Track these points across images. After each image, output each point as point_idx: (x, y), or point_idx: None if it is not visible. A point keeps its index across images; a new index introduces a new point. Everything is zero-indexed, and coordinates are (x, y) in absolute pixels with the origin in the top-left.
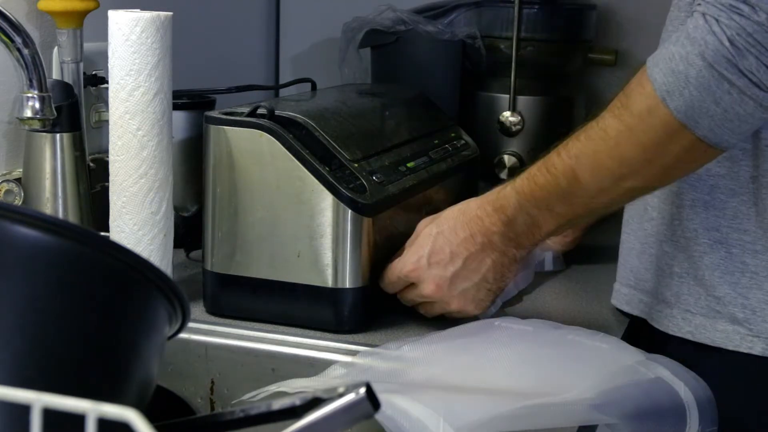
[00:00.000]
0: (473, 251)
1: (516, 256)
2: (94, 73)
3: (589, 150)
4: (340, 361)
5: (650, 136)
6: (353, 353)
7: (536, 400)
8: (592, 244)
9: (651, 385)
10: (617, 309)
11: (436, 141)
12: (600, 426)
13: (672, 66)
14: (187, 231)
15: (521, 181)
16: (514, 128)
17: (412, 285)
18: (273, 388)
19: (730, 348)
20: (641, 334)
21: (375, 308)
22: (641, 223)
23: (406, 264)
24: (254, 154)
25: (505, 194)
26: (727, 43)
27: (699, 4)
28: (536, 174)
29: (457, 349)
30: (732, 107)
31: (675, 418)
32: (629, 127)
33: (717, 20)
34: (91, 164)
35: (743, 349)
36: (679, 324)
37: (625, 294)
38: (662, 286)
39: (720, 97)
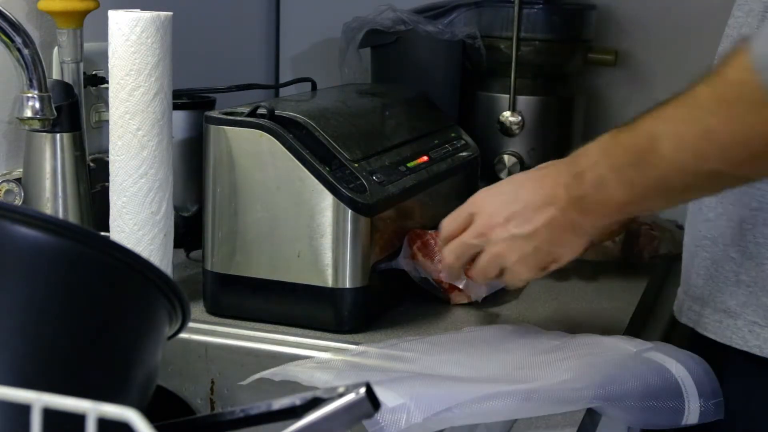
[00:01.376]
0: (535, 199)
1: (575, 223)
2: (94, 73)
3: (676, 114)
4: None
5: (740, 109)
6: (353, 353)
7: (514, 387)
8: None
9: (641, 367)
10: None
11: (436, 141)
12: (602, 420)
13: None
14: (187, 231)
15: (605, 136)
16: (514, 128)
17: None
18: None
19: None
20: (684, 342)
21: (375, 308)
22: (695, 224)
23: (463, 209)
24: (254, 154)
25: (587, 148)
26: None
27: None
28: (620, 131)
29: (438, 346)
30: None
31: (671, 396)
32: (719, 95)
33: None
34: (91, 164)
35: None
36: (745, 337)
37: (678, 299)
38: (724, 294)
39: None
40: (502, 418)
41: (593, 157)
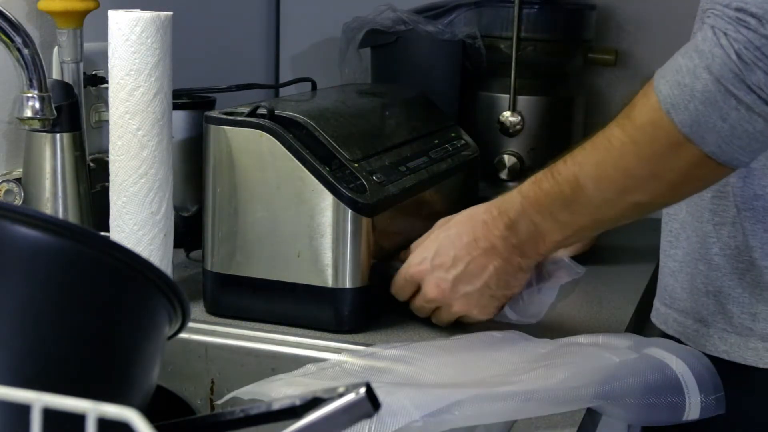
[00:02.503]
0: (475, 255)
1: (521, 265)
2: (94, 73)
3: (593, 159)
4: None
5: (654, 149)
6: (354, 353)
7: (513, 388)
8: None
9: (640, 363)
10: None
11: (436, 141)
12: (602, 420)
13: (678, 78)
14: (187, 231)
15: (527, 185)
16: (514, 128)
17: (418, 290)
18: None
19: (761, 366)
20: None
21: (375, 308)
22: (677, 243)
23: (411, 265)
24: (254, 154)
25: (510, 197)
26: (734, 57)
27: (708, 17)
28: (542, 179)
29: (435, 350)
30: (740, 124)
31: (671, 392)
32: (633, 139)
33: (725, 33)
34: (91, 164)
35: None
36: (715, 343)
37: (662, 313)
38: (699, 306)
39: (727, 113)
40: (502, 419)
41: (519, 207)
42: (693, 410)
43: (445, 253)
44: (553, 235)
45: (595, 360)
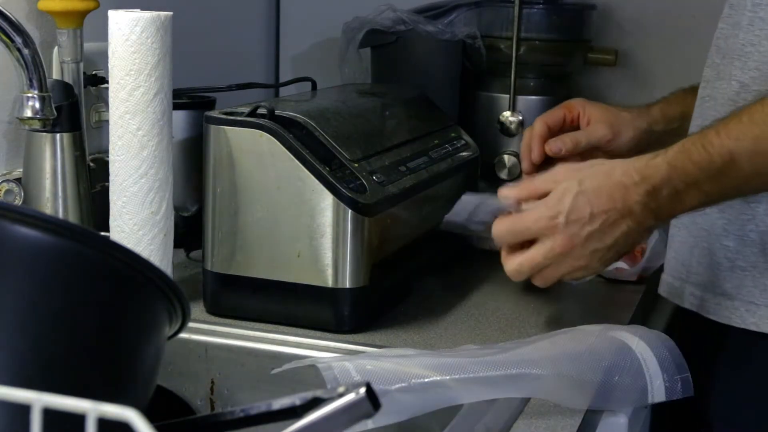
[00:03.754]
0: (611, 215)
1: (653, 226)
2: (94, 73)
3: (751, 134)
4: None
5: None
6: (353, 353)
7: (469, 374)
8: None
9: (600, 343)
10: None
11: (436, 141)
12: (603, 420)
13: None
14: (187, 231)
15: (674, 153)
16: (514, 128)
17: (529, 244)
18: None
19: None
20: (692, 326)
21: (375, 308)
22: (693, 217)
23: (541, 218)
24: (254, 154)
25: (656, 164)
26: None
27: None
28: (691, 149)
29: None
30: None
31: (632, 372)
32: None
33: None
34: (91, 164)
35: None
36: (743, 315)
37: (676, 287)
38: (721, 280)
39: None
40: (449, 404)
41: (665, 175)
42: (657, 392)
43: (581, 209)
44: (693, 201)
45: (558, 347)
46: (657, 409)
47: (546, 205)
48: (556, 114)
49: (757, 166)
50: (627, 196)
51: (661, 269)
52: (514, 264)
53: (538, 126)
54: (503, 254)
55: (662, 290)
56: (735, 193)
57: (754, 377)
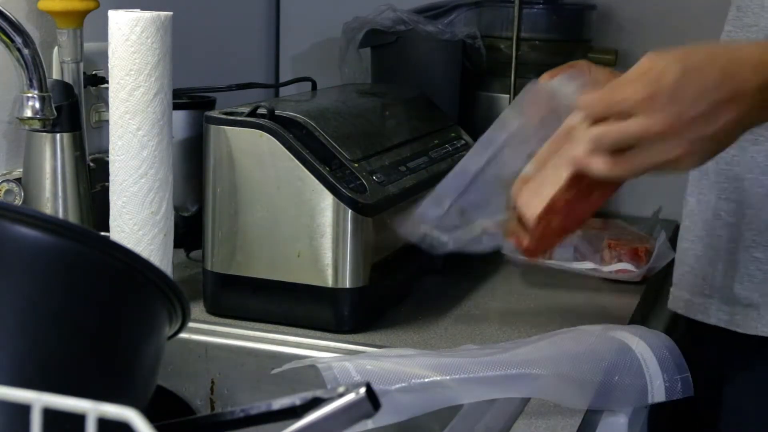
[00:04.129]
0: (724, 96)
1: (752, 122)
2: (94, 73)
3: None
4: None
5: None
6: (353, 353)
7: (469, 375)
8: None
9: (600, 343)
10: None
11: (436, 141)
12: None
13: None
14: (187, 231)
15: None
16: None
17: (619, 118)
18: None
19: None
20: (693, 329)
21: (375, 308)
22: (713, 230)
23: (638, 91)
24: (254, 154)
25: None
26: None
27: None
28: None
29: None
30: None
31: (632, 372)
32: None
33: None
34: (91, 164)
35: None
36: None
37: (698, 303)
38: (751, 291)
39: None
40: (449, 404)
41: None
42: (657, 392)
43: (687, 87)
44: None
45: (558, 347)
46: (656, 409)
47: (642, 81)
48: (560, 70)
49: None
50: (740, 77)
51: (662, 274)
52: (599, 130)
53: (543, 77)
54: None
55: (677, 306)
56: None
57: (764, 380)
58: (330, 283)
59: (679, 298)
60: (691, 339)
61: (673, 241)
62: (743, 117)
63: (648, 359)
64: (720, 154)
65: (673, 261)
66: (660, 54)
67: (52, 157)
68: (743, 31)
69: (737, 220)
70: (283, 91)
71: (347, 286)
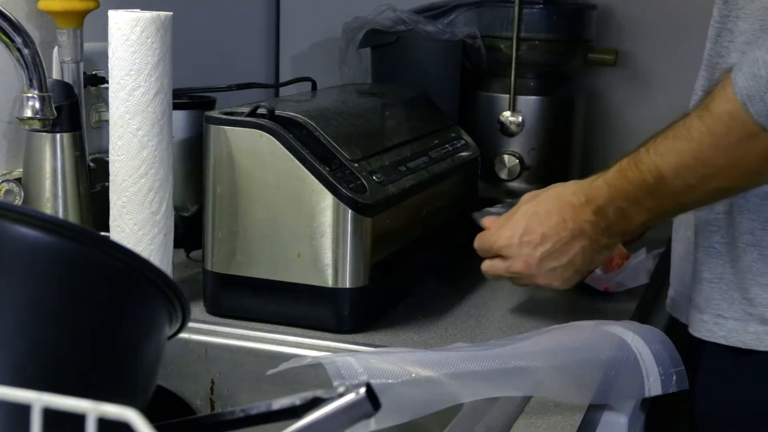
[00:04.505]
0: (563, 236)
1: (608, 244)
2: (94, 73)
3: (674, 149)
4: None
5: (731, 139)
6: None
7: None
8: None
9: (595, 338)
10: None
11: (436, 141)
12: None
13: (754, 70)
14: (187, 231)
15: (612, 174)
16: (514, 128)
17: (501, 258)
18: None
19: (762, 349)
20: (681, 339)
21: (375, 308)
22: (686, 231)
23: (500, 238)
24: (254, 154)
25: (597, 185)
26: None
27: None
28: (626, 168)
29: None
30: None
31: (628, 366)
32: (710, 129)
33: None
34: (91, 164)
35: None
36: (711, 329)
37: (676, 301)
38: (693, 292)
39: None
40: (451, 403)
41: (606, 196)
42: (653, 385)
43: (534, 231)
44: (641, 217)
45: (554, 341)
46: (655, 409)
47: (506, 227)
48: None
49: (685, 179)
50: (576, 216)
51: (663, 275)
52: (486, 265)
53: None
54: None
55: (667, 305)
56: (676, 207)
57: (728, 392)
58: (330, 283)
59: (669, 297)
60: (689, 339)
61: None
62: (588, 247)
63: (643, 353)
64: None
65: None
66: (526, 198)
67: (52, 157)
68: (709, 41)
69: (698, 222)
70: (283, 91)
71: (347, 286)
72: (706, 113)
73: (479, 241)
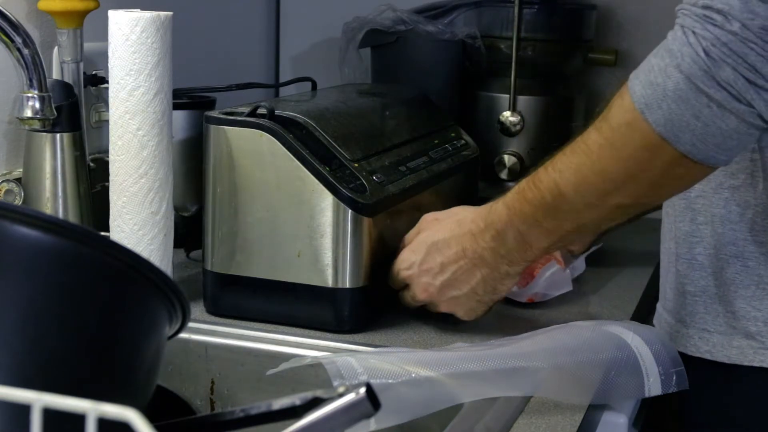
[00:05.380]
0: (462, 264)
1: (509, 272)
2: (94, 73)
3: (572, 164)
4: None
5: (629, 150)
6: (353, 353)
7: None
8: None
9: (596, 338)
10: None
11: (436, 141)
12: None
13: (651, 78)
14: (187, 231)
15: (511, 195)
16: (514, 128)
17: (407, 286)
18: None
19: (746, 364)
20: None
21: (375, 308)
22: (666, 243)
23: (401, 265)
24: (254, 154)
25: (496, 209)
26: (702, 54)
27: (678, 16)
28: (525, 188)
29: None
30: (713, 122)
31: (629, 366)
32: (609, 141)
33: (693, 31)
34: (91, 164)
35: (756, 363)
36: (696, 344)
37: (659, 314)
38: (678, 305)
39: (699, 110)
40: (451, 403)
41: (505, 219)
42: (653, 384)
43: (433, 260)
44: (540, 242)
45: (555, 341)
46: (655, 411)
47: (404, 254)
48: None
49: (584, 196)
50: (475, 245)
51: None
52: (400, 296)
53: None
54: None
55: (654, 320)
56: (576, 227)
57: (716, 406)
58: (330, 283)
59: (657, 310)
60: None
61: None
62: (489, 275)
63: (644, 353)
64: None
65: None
66: (425, 224)
67: (52, 157)
68: None
69: (679, 233)
70: (283, 91)
71: (347, 286)
72: (605, 125)
73: (391, 270)
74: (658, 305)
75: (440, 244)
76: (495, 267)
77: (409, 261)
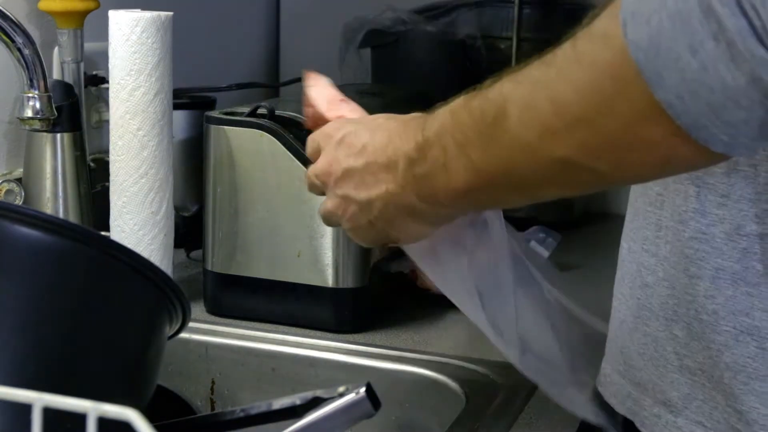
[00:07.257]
0: (378, 159)
1: (413, 209)
2: (94, 73)
3: (530, 77)
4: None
5: (592, 74)
6: (353, 353)
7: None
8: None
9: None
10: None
11: None
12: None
13: None
14: (188, 231)
15: (460, 99)
16: None
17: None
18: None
19: None
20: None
21: (375, 308)
22: (633, 290)
23: (324, 131)
24: (254, 154)
25: (438, 111)
26: None
27: None
28: (472, 96)
29: None
30: (714, 67)
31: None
32: (577, 56)
33: None
34: (92, 164)
35: None
36: None
37: (613, 381)
38: (664, 383)
39: (700, 41)
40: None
41: (439, 127)
42: None
43: (358, 137)
44: (458, 177)
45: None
46: None
47: (340, 121)
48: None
49: (526, 128)
50: (400, 143)
51: None
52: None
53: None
54: None
55: (598, 382)
56: (504, 176)
57: None
58: (330, 283)
59: (601, 371)
60: None
61: None
62: (391, 195)
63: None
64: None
65: None
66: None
67: (53, 157)
68: None
69: (661, 277)
70: (283, 91)
71: (347, 286)
72: (584, 35)
73: (307, 174)
74: (610, 369)
75: (372, 128)
76: (401, 189)
77: (335, 127)
